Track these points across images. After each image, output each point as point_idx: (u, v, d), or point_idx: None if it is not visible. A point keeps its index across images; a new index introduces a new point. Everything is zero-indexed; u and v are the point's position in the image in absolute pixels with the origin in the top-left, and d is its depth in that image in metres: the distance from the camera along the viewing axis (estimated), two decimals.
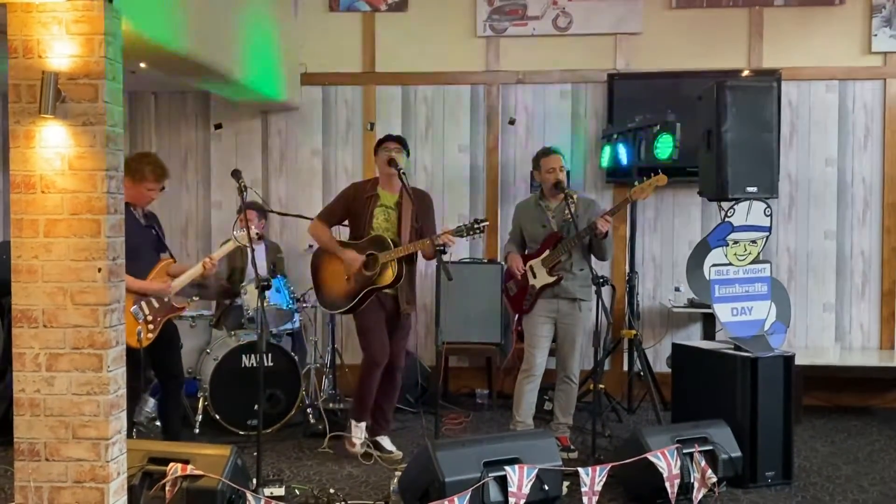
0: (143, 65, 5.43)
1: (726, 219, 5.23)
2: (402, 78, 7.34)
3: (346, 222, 5.61)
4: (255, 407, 4.83)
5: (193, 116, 7.56)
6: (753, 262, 5.28)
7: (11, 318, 3.73)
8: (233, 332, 6.19)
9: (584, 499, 4.33)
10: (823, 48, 7.02)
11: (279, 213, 7.08)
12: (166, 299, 5.01)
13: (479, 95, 7.32)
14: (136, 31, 4.31)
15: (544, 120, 7.29)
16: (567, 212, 5.40)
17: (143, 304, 4.92)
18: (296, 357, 6.13)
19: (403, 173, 5.25)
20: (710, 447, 4.69)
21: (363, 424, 5.47)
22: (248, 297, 6.02)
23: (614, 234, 5.55)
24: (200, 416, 5.96)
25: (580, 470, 4.37)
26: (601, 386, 5.89)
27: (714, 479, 4.60)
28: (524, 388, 5.59)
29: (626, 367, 6.87)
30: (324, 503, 4.58)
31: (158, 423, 5.76)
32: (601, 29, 7.15)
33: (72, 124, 3.64)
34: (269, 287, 4.84)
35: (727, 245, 5.25)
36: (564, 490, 4.60)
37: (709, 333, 6.68)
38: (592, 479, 4.34)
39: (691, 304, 6.71)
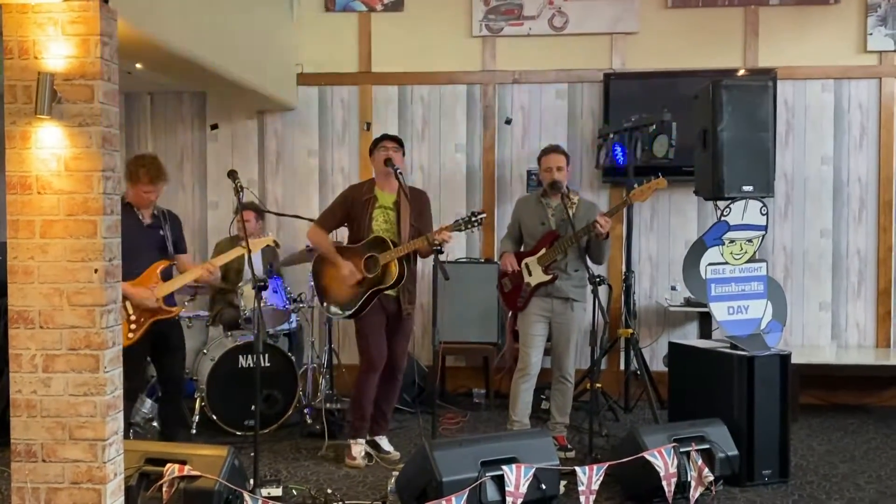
0: (138, 65, 5.43)
1: (722, 218, 5.23)
2: (399, 78, 7.35)
3: (345, 224, 5.59)
4: (252, 407, 4.85)
5: (189, 117, 7.56)
6: (749, 260, 5.28)
7: (7, 319, 3.73)
8: (229, 333, 6.19)
9: (582, 498, 4.34)
10: (819, 47, 7.04)
11: (276, 214, 7.08)
12: (155, 299, 5.00)
13: (476, 95, 7.33)
14: (132, 32, 4.31)
15: (540, 119, 7.29)
16: (565, 211, 5.40)
17: (128, 303, 4.91)
18: (293, 357, 6.12)
19: (400, 173, 5.25)
20: (707, 446, 4.69)
21: (362, 440, 5.41)
22: (245, 298, 6.02)
23: (611, 234, 5.54)
24: (197, 417, 5.96)
25: (577, 469, 4.38)
26: (598, 385, 5.89)
27: (711, 478, 4.60)
28: (520, 387, 5.60)
29: (622, 367, 6.88)
30: (321, 503, 4.59)
31: (155, 424, 5.77)
32: (597, 28, 7.16)
33: (68, 125, 3.64)
34: (265, 287, 4.84)
35: (723, 244, 5.25)
36: (562, 489, 4.61)
37: (705, 332, 6.68)
38: (589, 478, 4.34)
39: (688, 302, 6.72)
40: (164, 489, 4.09)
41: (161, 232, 5.13)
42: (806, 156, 7.10)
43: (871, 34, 6.98)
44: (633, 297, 6.71)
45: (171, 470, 4.13)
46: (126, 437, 4.26)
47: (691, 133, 5.49)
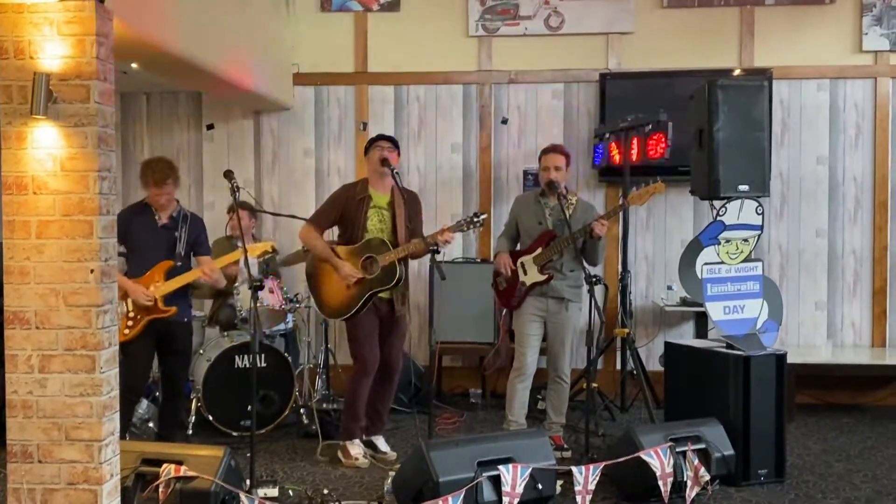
0: (134, 65, 5.42)
1: (718, 217, 5.24)
2: (395, 78, 7.35)
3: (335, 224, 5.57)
4: (249, 408, 4.83)
5: (185, 117, 7.55)
6: (745, 260, 5.29)
7: (3, 319, 3.72)
8: (226, 333, 6.18)
9: (578, 498, 4.34)
10: (814, 47, 7.05)
11: (272, 214, 7.08)
12: (147, 298, 5.03)
13: (472, 95, 7.33)
14: (128, 32, 4.31)
15: (537, 119, 7.29)
16: (562, 212, 5.40)
17: (129, 299, 5.00)
18: (289, 357, 6.12)
19: (396, 173, 5.24)
20: (703, 445, 4.70)
21: (356, 440, 5.39)
22: (241, 298, 6.02)
23: (607, 234, 5.55)
24: (194, 417, 5.95)
25: (574, 469, 4.38)
26: (594, 385, 5.90)
27: (707, 478, 4.61)
28: (516, 387, 5.60)
29: (619, 366, 6.88)
30: (317, 503, 4.59)
31: (152, 425, 5.77)
32: (593, 28, 7.16)
33: (63, 125, 3.63)
34: (261, 288, 4.84)
35: (719, 243, 5.25)
36: (558, 489, 4.61)
37: (701, 332, 6.69)
38: (586, 477, 4.35)
39: (684, 302, 6.72)
40: (160, 490, 4.09)
41: (175, 233, 5.18)
42: (801, 155, 7.12)
43: (866, 34, 6.99)
44: (630, 297, 6.72)
45: (168, 470, 4.13)
46: (123, 436, 4.27)
47: (687, 133, 5.50)
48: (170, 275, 5.14)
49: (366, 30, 7.33)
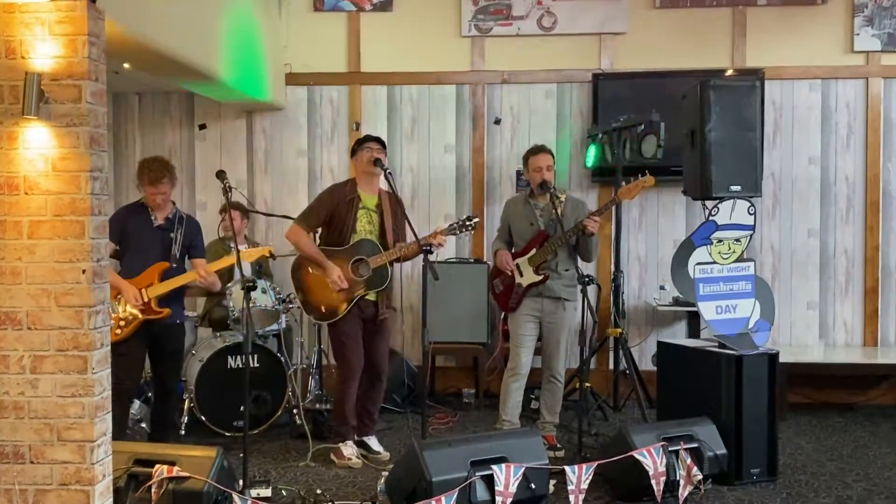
0: (126, 65, 5.41)
1: (710, 217, 5.25)
2: (388, 78, 7.34)
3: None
4: (242, 408, 4.83)
5: (178, 117, 7.54)
6: (737, 260, 5.30)
7: None
8: (219, 333, 6.17)
9: (571, 497, 4.34)
10: (806, 48, 7.07)
11: (264, 214, 7.07)
12: (140, 303, 5.01)
13: (465, 95, 7.33)
14: (120, 32, 4.30)
15: (529, 120, 7.30)
16: (554, 211, 5.41)
17: (122, 299, 4.96)
18: (282, 358, 6.11)
19: (389, 173, 5.24)
20: (696, 445, 4.71)
21: (349, 442, 5.39)
22: (234, 298, 6.01)
23: (599, 233, 5.57)
24: (186, 418, 5.94)
25: (567, 468, 4.39)
26: (587, 384, 5.91)
27: (699, 477, 4.62)
28: (510, 387, 5.60)
29: (611, 366, 6.90)
30: None
31: (144, 426, 5.75)
32: (586, 29, 7.17)
33: (55, 125, 3.62)
34: (254, 288, 4.84)
35: (711, 244, 5.27)
36: (551, 488, 4.61)
37: (694, 331, 6.70)
38: (579, 477, 4.35)
39: (676, 302, 6.73)
40: (152, 490, 4.08)
41: (171, 234, 5.16)
42: (793, 156, 7.14)
43: (857, 34, 7.02)
44: (622, 297, 6.73)
45: (160, 471, 4.12)
46: (120, 437, 4.26)
47: (679, 133, 5.51)
48: (165, 276, 5.12)
49: (358, 30, 7.33)
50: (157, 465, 4.15)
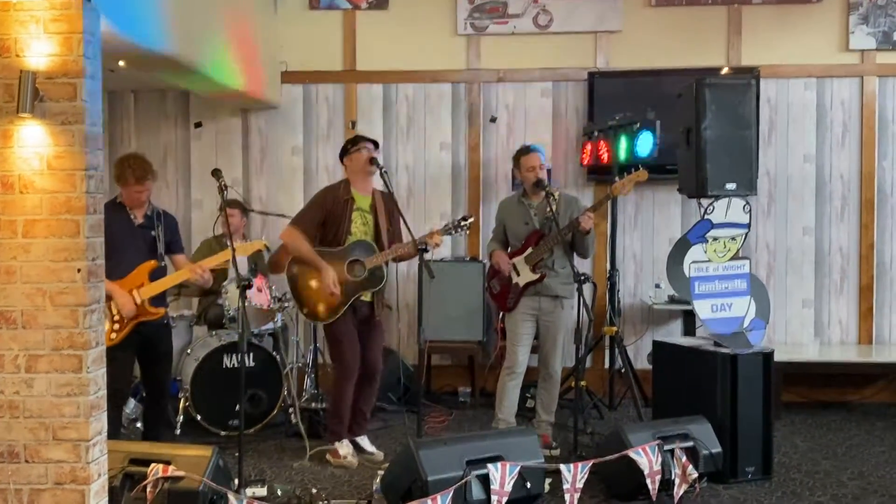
0: (121, 63, 5.39)
1: (706, 216, 5.26)
2: (383, 76, 7.34)
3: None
4: (237, 407, 4.82)
5: (173, 115, 7.53)
6: (733, 258, 5.31)
7: None
8: (214, 332, 6.16)
9: (566, 496, 4.34)
10: (801, 46, 7.08)
11: (260, 213, 7.06)
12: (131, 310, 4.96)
13: (461, 93, 7.33)
14: (115, 30, 4.29)
15: (525, 118, 7.30)
16: (549, 209, 5.41)
17: (112, 303, 4.88)
18: (277, 357, 6.11)
19: (385, 172, 5.23)
20: (691, 443, 4.72)
21: (345, 441, 5.39)
22: (229, 297, 6.00)
23: (595, 231, 5.57)
24: (181, 417, 5.94)
25: (562, 467, 4.38)
26: (583, 383, 5.91)
27: (695, 475, 4.62)
28: (506, 385, 5.61)
29: (607, 364, 6.90)
30: (306, 503, 4.58)
31: (139, 425, 5.74)
32: (581, 27, 7.17)
33: (50, 124, 3.61)
34: (250, 287, 4.82)
35: (707, 242, 5.27)
36: (547, 487, 4.61)
37: (689, 330, 6.71)
38: (574, 476, 4.35)
39: (672, 300, 6.74)
40: (148, 490, 4.07)
41: (153, 232, 5.08)
42: (788, 154, 7.15)
43: (852, 33, 7.03)
44: (618, 295, 6.75)
45: (156, 470, 4.11)
46: (115, 437, 4.25)
47: (675, 131, 5.52)
48: (154, 276, 5.02)
49: (354, 28, 7.32)
50: (152, 465, 4.13)
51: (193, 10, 5.44)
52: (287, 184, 7.43)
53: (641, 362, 6.86)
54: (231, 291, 5.97)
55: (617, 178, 5.54)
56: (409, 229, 5.18)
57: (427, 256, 4.96)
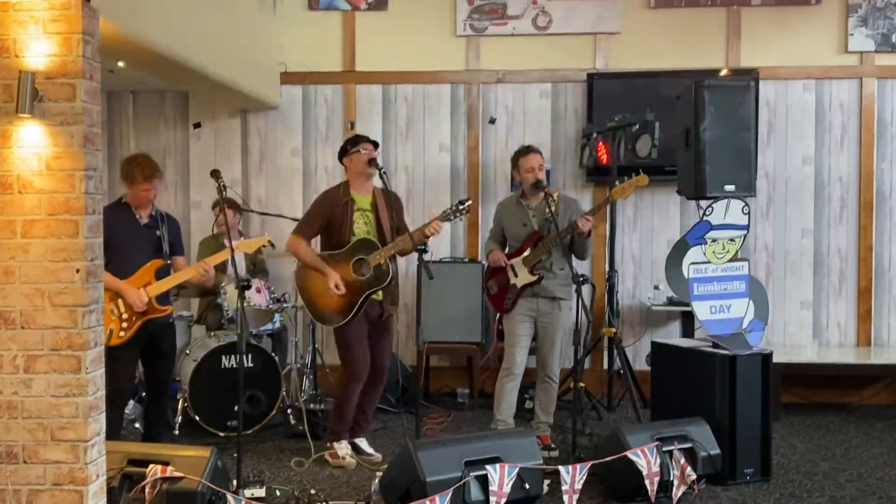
0: (121, 63, 5.40)
1: (704, 217, 5.26)
2: (383, 77, 7.34)
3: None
4: (236, 408, 4.82)
5: (172, 115, 7.53)
6: (731, 260, 5.31)
7: None
8: (213, 333, 6.16)
9: (565, 497, 4.35)
10: (800, 48, 7.08)
11: (259, 213, 7.06)
12: (141, 304, 4.97)
13: (460, 95, 7.33)
14: (114, 30, 4.29)
15: (524, 119, 7.30)
16: (547, 211, 5.41)
17: (120, 301, 4.90)
18: (276, 357, 6.10)
19: (384, 172, 5.23)
20: (690, 444, 4.72)
21: (344, 442, 5.38)
22: (228, 297, 6.00)
23: (594, 233, 5.57)
24: (180, 418, 5.94)
25: (561, 468, 4.39)
26: (581, 384, 5.91)
27: (693, 477, 4.62)
28: (505, 386, 5.60)
29: (605, 366, 6.90)
30: None
31: (138, 426, 5.74)
32: (581, 28, 7.18)
33: (49, 124, 3.61)
34: (248, 287, 4.82)
35: (706, 243, 5.27)
36: (545, 488, 4.61)
37: (688, 331, 6.71)
38: (573, 477, 4.35)
39: (670, 302, 6.75)
40: (146, 490, 4.07)
41: (157, 232, 5.12)
42: (787, 155, 7.15)
43: (851, 35, 7.03)
44: (616, 297, 6.75)
45: (154, 471, 4.11)
46: (115, 438, 4.25)
47: (674, 133, 5.51)
48: (160, 274, 5.06)
49: (353, 29, 7.32)
50: (150, 465, 4.14)
51: (193, 10, 5.44)
52: (286, 184, 7.43)
53: (640, 363, 6.86)
54: (230, 292, 5.97)
55: (617, 182, 5.53)
56: (405, 226, 5.17)
57: (426, 257, 4.96)
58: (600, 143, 6.56)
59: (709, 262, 5.27)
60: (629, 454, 4.49)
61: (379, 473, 4.68)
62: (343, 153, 5.45)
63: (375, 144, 5.45)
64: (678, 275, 5.28)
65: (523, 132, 7.26)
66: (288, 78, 7.35)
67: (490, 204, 7.13)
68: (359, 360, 5.29)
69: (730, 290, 5.30)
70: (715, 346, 5.19)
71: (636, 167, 5.65)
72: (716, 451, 4.83)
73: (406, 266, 6.80)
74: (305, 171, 7.43)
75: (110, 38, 4.27)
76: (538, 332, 5.61)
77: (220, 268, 6.03)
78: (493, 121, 7.26)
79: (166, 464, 4.16)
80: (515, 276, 5.57)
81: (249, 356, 5.89)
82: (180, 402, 5.95)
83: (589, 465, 4.44)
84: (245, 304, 4.83)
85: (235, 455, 4.62)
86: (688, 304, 5.44)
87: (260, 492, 4.64)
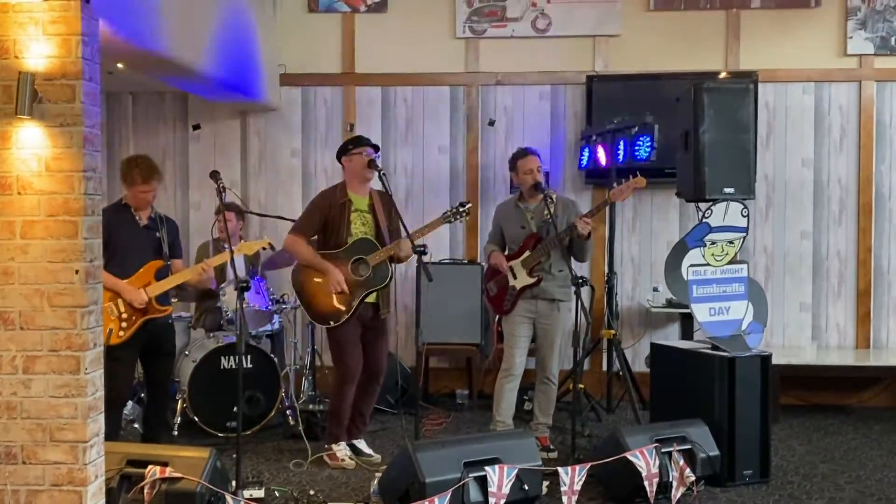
0: (120, 65, 5.40)
1: (704, 219, 5.26)
2: (382, 79, 7.34)
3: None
4: (235, 409, 4.82)
5: (171, 117, 7.53)
6: (731, 262, 5.31)
7: None
8: (212, 334, 6.16)
9: (564, 498, 4.35)
10: (800, 50, 7.09)
11: (258, 215, 7.06)
12: (142, 301, 4.98)
13: (459, 97, 7.33)
14: (114, 32, 4.29)
15: (523, 121, 7.31)
16: (546, 212, 5.41)
17: (120, 301, 4.92)
18: (275, 358, 6.10)
19: (384, 174, 5.23)
20: (689, 446, 4.72)
21: (342, 444, 5.38)
22: (227, 299, 6.00)
23: (593, 235, 5.57)
24: (179, 419, 5.93)
25: (560, 469, 4.39)
26: (580, 386, 5.91)
27: (692, 478, 4.62)
28: (504, 388, 5.60)
29: (605, 367, 6.90)
30: None
31: (137, 426, 5.74)
32: (580, 31, 7.18)
33: (49, 125, 3.61)
34: (247, 289, 4.82)
35: (705, 245, 5.28)
36: (544, 490, 4.61)
37: (687, 333, 6.72)
38: (572, 478, 4.35)
39: (669, 304, 6.75)
40: (145, 491, 4.07)
41: (157, 234, 5.15)
42: (786, 158, 7.16)
43: (850, 38, 7.04)
44: (616, 299, 6.75)
45: (153, 472, 4.11)
46: (115, 439, 4.25)
47: (673, 135, 5.52)
48: (160, 275, 5.09)
49: (353, 30, 7.33)
50: (149, 466, 4.13)
51: (192, 11, 5.45)
52: (285, 186, 7.43)
53: (639, 365, 6.87)
54: (229, 293, 5.97)
55: (615, 184, 5.53)
56: (405, 228, 5.16)
57: (425, 259, 4.96)
58: (599, 146, 6.57)
59: (708, 264, 5.27)
60: (628, 455, 4.49)
61: (378, 474, 4.68)
62: (343, 152, 5.45)
63: (377, 148, 5.45)
64: (677, 277, 5.28)
65: (522, 134, 7.27)
66: (287, 79, 7.36)
67: (489, 206, 7.13)
68: (350, 362, 5.29)
69: (729, 292, 5.31)
70: (714, 347, 5.19)
71: (635, 170, 5.65)
72: (715, 452, 4.83)
73: (405, 268, 6.79)
74: (305, 173, 7.43)
75: (110, 39, 4.27)
76: (537, 333, 5.61)
77: (220, 278, 6.04)
78: (492, 123, 7.26)
79: (165, 464, 4.16)
80: (514, 278, 5.57)
81: (248, 357, 5.89)
82: (179, 402, 5.95)
83: (588, 467, 4.44)
84: (244, 306, 4.83)
85: (234, 456, 4.62)
86: (687, 306, 5.44)
87: (259, 493, 4.64)
